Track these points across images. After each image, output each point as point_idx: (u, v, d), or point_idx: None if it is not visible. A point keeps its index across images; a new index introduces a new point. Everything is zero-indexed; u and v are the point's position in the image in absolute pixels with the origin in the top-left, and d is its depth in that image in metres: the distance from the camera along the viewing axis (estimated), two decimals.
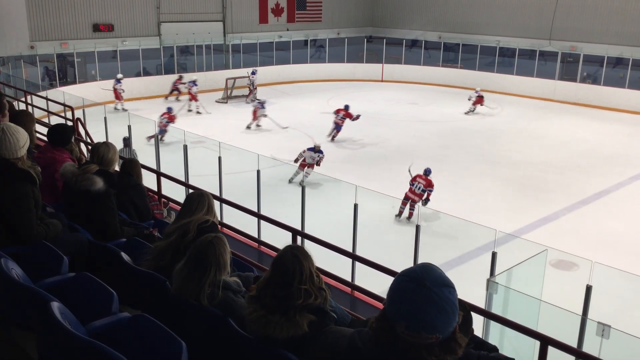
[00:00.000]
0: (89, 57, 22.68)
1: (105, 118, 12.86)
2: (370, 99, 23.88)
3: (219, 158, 9.63)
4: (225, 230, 6.44)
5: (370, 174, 14.36)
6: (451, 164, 14.95)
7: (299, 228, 7.17)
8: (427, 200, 11.77)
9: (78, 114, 12.64)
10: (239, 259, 4.43)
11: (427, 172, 11.90)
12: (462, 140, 18.09)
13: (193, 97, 21.28)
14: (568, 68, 25.46)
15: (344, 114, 17.76)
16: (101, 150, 4.50)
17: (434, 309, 1.69)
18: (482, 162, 15.79)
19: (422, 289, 1.70)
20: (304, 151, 14.00)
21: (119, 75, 21.14)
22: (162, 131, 16.58)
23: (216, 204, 6.17)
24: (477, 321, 3.29)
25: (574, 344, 5.50)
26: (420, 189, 11.71)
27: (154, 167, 9.38)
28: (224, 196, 7.93)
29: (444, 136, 18.55)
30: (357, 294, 5.88)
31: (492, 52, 27.07)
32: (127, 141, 12.74)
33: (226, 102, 22.97)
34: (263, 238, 6.87)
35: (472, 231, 10.08)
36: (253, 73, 23.54)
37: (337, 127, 17.81)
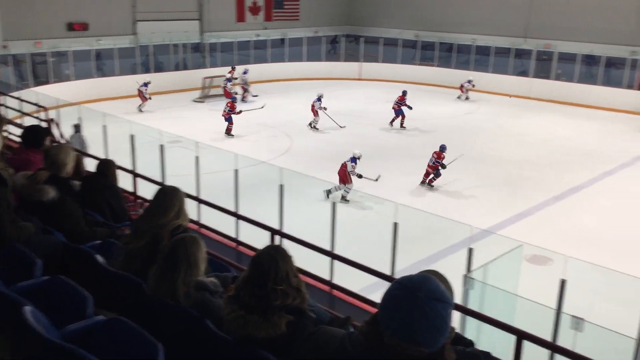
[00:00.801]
0: (64, 57, 22.32)
1: (79, 118, 12.68)
2: (348, 97, 23.94)
3: (196, 158, 9.56)
4: (203, 230, 6.41)
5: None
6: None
7: (278, 227, 7.16)
8: (437, 170, 13.87)
9: (52, 114, 12.46)
10: (217, 259, 4.41)
11: (442, 148, 13.99)
12: (441, 138, 18.17)
13: (228, 95, 21.74)
14: (543, 66, 25.82)
15: (399, 98, 19.23)
16: (52, 153, 4.24)
17: (424, 322, 1.62)
18: (462, 160, 15.94)
19: (415, 300, 1.63)
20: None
21: (146, 80, 21.12)
22: (227, 119, 17.64)
23: (193, 203, 6.11)
24: (455, 317, 3.32)
25: (549, 337, 5.60)
26: (432, 161, 13.84)
27: (130, 167, 9.27)
28: (202, 196, 7.87)
29: (422, 133, 18.67)
30: (335, 292, 5.90)
31: (468, 50, 27.34)
32: (77, 127, 12.53)
33: (203, 102, 22.81)
34: (242, 238, 6.84)
35: (449, 228, 10.18)
36: (245, 72, 23.43)
37: (399, 112, 19.15)
